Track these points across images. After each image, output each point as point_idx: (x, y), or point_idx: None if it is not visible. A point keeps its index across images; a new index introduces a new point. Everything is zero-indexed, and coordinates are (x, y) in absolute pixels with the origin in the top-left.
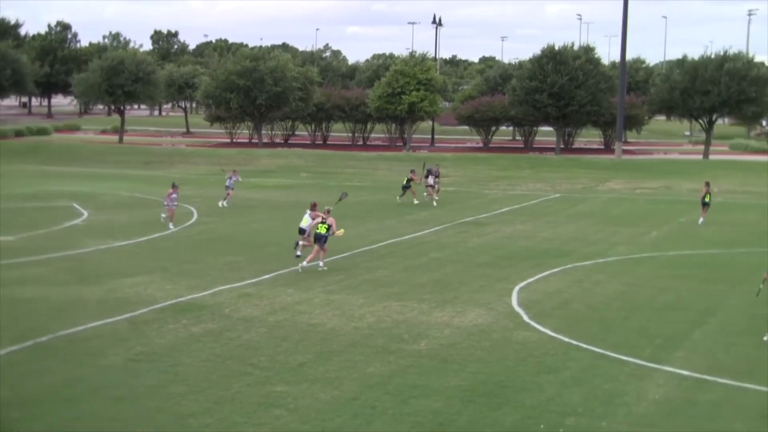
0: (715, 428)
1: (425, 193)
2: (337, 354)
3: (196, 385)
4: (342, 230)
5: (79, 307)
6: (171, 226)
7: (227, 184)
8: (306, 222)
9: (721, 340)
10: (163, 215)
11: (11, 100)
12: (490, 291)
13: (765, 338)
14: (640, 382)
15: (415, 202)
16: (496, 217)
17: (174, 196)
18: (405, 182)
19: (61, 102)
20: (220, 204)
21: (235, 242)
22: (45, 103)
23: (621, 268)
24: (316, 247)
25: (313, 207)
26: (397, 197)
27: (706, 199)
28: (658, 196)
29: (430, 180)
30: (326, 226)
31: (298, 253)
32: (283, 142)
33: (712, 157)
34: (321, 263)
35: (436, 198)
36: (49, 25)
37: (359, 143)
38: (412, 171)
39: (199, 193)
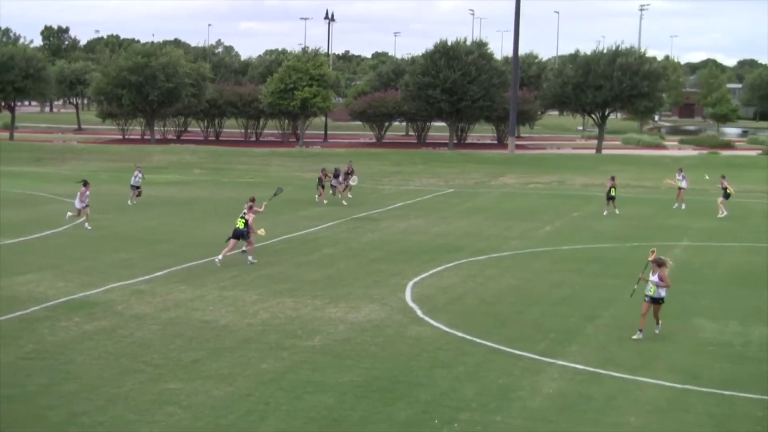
0: (609, 422)
1: (330, 192)
2: (231, 350)
3: (89, 383)
4: (263, 230)
5: None
6: (87, 226)
7: (132, 182)
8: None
9: (615, 334)
10: (69, 213)
11: None
12: (383, 286)
13: (634, 337)
14: (535, 376)
15: (324, 202)
16: (390, 212)
17: (87, 194)
18: (317, 182)
19: None
20: (129, 202)
21: (128, 239)
22: None
23: (515, 262)
24: (232, 241)
25: (252, 200)
26: (315, 197)
27: (612, 193)
28: (552, 191)
29: (334, 181)
30: (244, 221)
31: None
32: (175, 138)
33: (605, 151)
34: (250, 257)
35: (348, 196)
36: None
37: (252, 139)
38: (323, 170)
39: (92, 190)
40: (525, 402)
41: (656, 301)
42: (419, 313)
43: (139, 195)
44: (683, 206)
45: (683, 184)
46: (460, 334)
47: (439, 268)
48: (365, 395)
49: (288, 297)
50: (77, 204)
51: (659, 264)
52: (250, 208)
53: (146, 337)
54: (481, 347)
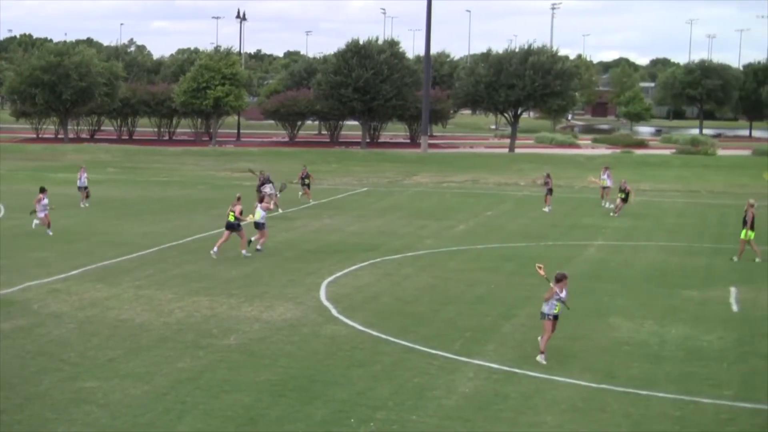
0: (525, 421)
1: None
2: (147, 349)
3: (7, 381)
4: (251, 216)
5: None
6: (49, 232)
7: (78, 184)
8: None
9: (531, 333)
10: (36, 222)
11: None
12: (299, 285)
13: (538, 358)
14: (450, 375)
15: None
16: (304, 211)
17: (45, 201)
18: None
19: None
20: (81, 205)
21: (44, 238)
22: None
23: (430, 261)
24: (226, 233)
25: (239, 199)
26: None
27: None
28: (465, 190)
29: (267, 188)
30: (233, 214)
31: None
32: (89, 137)
33: (518, 150)
34: (244, 251)
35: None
36: None
37: (165, 138)
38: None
39: (7, 188)
40: (441, 401)
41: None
42: (334, 312)
43: (87, 196)
44: (609, 204)
45: (608, 183)
46: (375, 333)
47: (354, 267)
48: (282, 394)
49: (203, 296)
50: (39, 213)
51: (559, 279)
52: (239, 199)
53: (63, 335)
54: (397, 346)
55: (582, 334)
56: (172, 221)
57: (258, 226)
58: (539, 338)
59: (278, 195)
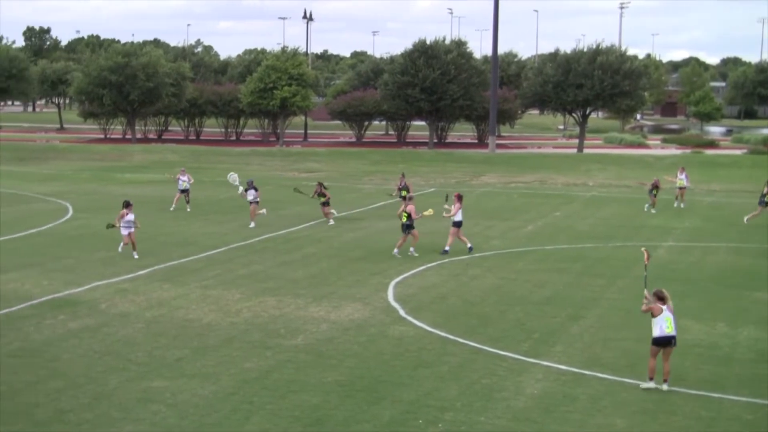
0: (594, 423)
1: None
2: (215, 349)
3: (75, 380)
4: (431, 210)
5: None
6: (135, 255)
7: (180, 187)
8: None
9: (599, 334)
10: (121, 245)
11: None
12: (366, 286)
13: (645, 386)
14: (519, 376)
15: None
16: (371, 211)
17: (130, 217)
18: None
19: None
20: (171, 208)
21: (111, 238)
22: None
23: (497, 262)
24: (402, 236)
25: (410, 199)
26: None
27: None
28: (533, 190)
29: (251, 196)
30: (407, 215)
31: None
32: (156, 137)
33: (586, 150)
34: (412, 249)
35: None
36: None
37: (232, 138)
38: (319, 183)
39: (74, 188)
40: (509, 402)
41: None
42: (402, 312)
43: (187, 201)
44: (682, 205)
45: (686, 184)
46: (443, 333)
47: (421, 268)
48: (349, 394)
49: (271, 296)
50: (122, 231)
51: (662, 298)
52: (411, 199)
53: (130, 335)
54: (465, 347)
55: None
56: (239, 221)
57: (405, 228)
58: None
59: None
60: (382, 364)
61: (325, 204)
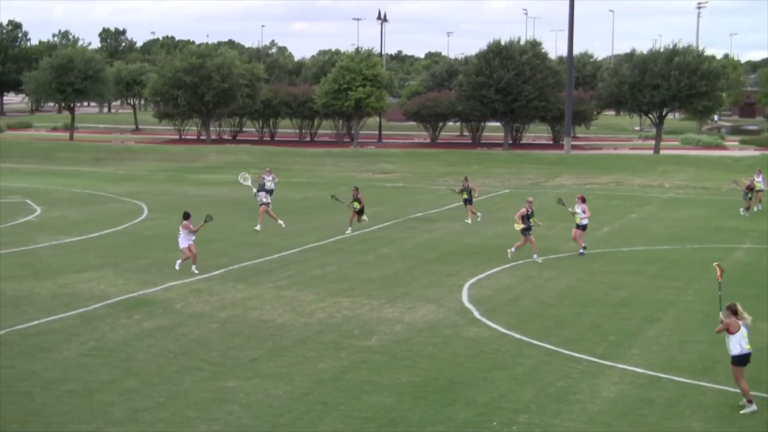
0: (670, 427)
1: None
2: (288, 350)
3: (149, 380)
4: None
5: (33, 303)
6: (194, 269)
7: (266, 187)
8: None
9: (676, 337)
10: (179, 262)
11: None
12: (440, 287)
13: (744, 411)
14: (594, 379)
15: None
16: (445, 213)
17: (189, 238)
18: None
19: (13, 100)
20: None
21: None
22: None
23: (572, 263)
24: (522, 238)
25: (530, 203)
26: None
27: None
28: (609, 192)
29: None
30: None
31: None
32: (231, 138)
33: (662, 152)
34: (535, 255)
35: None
36: (0, 24)
37: (306, 139)
38: (355, 188)
39: (149, 189)
40: (584, 405)
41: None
42: (476, 314)
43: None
44: (759, 207)
45: (763, 186)
46: (517, 335)
47: (495, 269)
48: (423, 396)
49: (344, 297)
50: (181, 243)
51: (735, 312)
52: (531, 203)
53: (205, 335)
54: (539, 349)
55: None
56: (312, 222)
57: (523, 231)
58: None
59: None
60: (456, 365)
61: (359, 212)
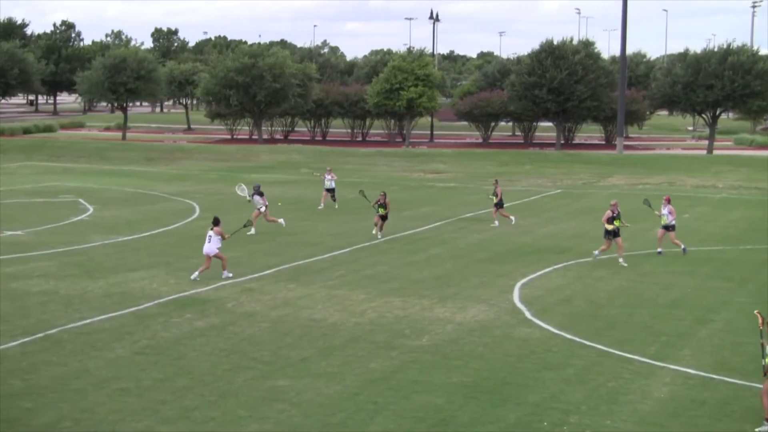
0: (722, 428)
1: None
2: (339, 349)
3: (201, 378)
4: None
5: (85, 301)
6: (226, 273)
7: (326, 186)
8: None
9: (728, 338)
10: (195, 276)
11: (19, 99)
12: (491, 287)
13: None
14: (645, 380)
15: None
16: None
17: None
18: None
19: (66, 100)
20: (320, 207)
21: (237, 237)
22: (51, 100)
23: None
24: (606, 241)
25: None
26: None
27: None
28: (661, 192)
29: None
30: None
31: None
32: (282, 138)
33: (716, 152)
34: (621, 259)
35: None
36: (54, 24)
37: (358, 139)
38: (383, 194)
39: (201, 188)
40: (635, 406)
41: None
42: (527, 314)
43: (334, 199)
44: None
45: None
46: (569, 336)
47: (547, 269)
48: (474, 396)
49: (395, 296)
50: (210, 249)
51: None
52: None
53: (256, 334)
54: (591, 350)
55: None
56: (364, 222)
57: (608, 234)
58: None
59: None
60: (507, 365)
61: (383, 217)
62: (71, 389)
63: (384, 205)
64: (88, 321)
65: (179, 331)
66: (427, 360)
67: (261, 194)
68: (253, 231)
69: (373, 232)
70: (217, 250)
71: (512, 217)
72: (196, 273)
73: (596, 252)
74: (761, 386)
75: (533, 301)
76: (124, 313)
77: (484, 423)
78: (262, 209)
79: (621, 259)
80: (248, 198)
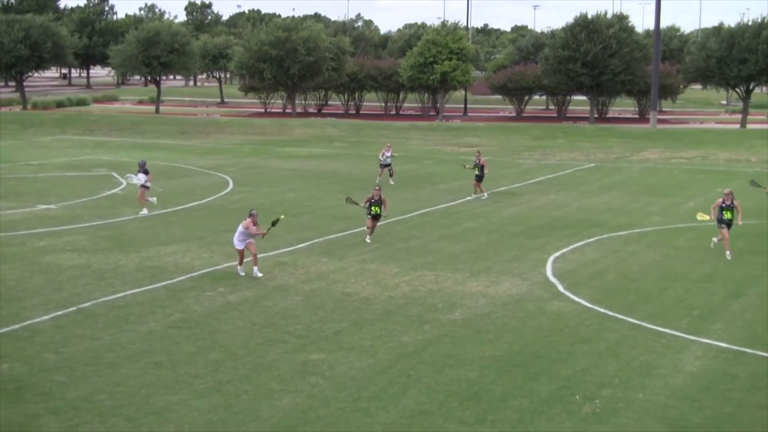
0: (754, 402)
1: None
2: (372, 323)
3: (234, 352)
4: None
5: (118, 275)
6: (257, 274)
7: (382, 161)
8: None
9: (761, 312)
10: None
11: (52, 72)
12: (524, 261)
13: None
14: (678, 353)
15: (484, 195)
16: (530, 186)
17: (253, 229)
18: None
19: (100, 73)
20: (391, 182)
21: (270, 211)
22: (84, 74)
23: (657, 238)
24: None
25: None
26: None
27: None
28: (695, 166)
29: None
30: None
31: None
32: (316, 111)
33: (749, 126)
34: (728, 252)
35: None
36: None
37: (392, 113)
38: (378, 188)
39: (234, 162)
40: (667, 380)
41: None
42: (560, 288)
43: (391, 174)
44: None
45: None
46: (601, 309)
47: (579, 243)
48: (507, 369)
49: (428, 270)
50: (238, 243)
51: None
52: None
53: (289, 308)
54: (623, 323)
55: None
56: (398, 195)
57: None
58: None
59: None
60: (539, 339)
61: (376, 218)
62: (104, 363)
63: (380, 203)
64: (120, 295)
65: (212, 304)
66: (459, 334)
67: (146, 172)
68: (145, 212)
69: (367, 239)
70: (241, 244)
71: (485, 194)
72: (238, 267)
73: (715, 239)
74: None
75: (566, 275)
76: (156, 286)
77: (516, 396)
78: (147, 184)
79: (728, 252)
80: (136, 181)
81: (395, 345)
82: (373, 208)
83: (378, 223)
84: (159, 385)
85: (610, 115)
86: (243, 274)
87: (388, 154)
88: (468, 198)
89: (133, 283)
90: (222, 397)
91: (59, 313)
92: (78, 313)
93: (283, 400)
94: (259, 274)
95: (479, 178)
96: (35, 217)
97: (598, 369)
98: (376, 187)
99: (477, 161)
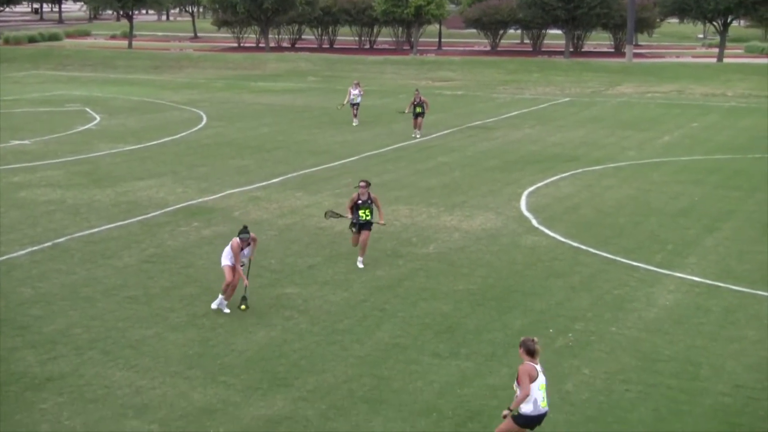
0: (726, 335)
1: None
2: (346, 257)
3: (208, 286)
4: None
5: (93, 210)
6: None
7: (350, 100)
8: None
9: (734, 247)
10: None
11: (23, 7)
12: (498, 195)
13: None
14: (651, 287)
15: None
16: (505, 121)
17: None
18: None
19: (72, 8)
20: (354, 122)
21: (244, 146)
22: (56, 8)
23: (632, 173)
24: None
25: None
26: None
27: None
28: (670, 101)
29: None
30: None
31: None
32: (290, 46)
33: (726, 60)
34: None
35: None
36: None
37: (366, 47)
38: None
39: (208, 97)
40: (640, 313)
41: None
42: (534, 222)
43: (355, 115)
44: None
45: None
46: (575, 244)
47: (554, 178)
48: (480, 303)
49: (403, 204)
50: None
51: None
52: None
53: (263, 242)
54: (597, 257)
55: None
56: (372, 130)
57: None
58: None
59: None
60: (513, 273)
61: (364, 226)
62: (80, 297)
63: (369, 204)
64: (96, 230)
65: (186, 239)
66: (434, 268)
67: None
68: None
69: (359, 265)
70: (232, 263)
71: (419, 133)
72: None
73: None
74: (766, 294)
75: (540, 209)
76: (131, 221)
77: (490, 330)
78: None
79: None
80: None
81: (369, 279)
82: (360, 212)
83: (370, 232)
84: (134, 319)
85: (585, 49)
86: (224, 307)
87: (356, 92)
88: (443, 132)
89: (108, 218)
90: (197, 330)
91: (35, 248)
92: (53, 248)
93: (258, 334)
94: (218, 306)
95: (420, 115)
96: (9, 152)
97: (572, 303)
98: (361, 183)
99: (416, 99)
